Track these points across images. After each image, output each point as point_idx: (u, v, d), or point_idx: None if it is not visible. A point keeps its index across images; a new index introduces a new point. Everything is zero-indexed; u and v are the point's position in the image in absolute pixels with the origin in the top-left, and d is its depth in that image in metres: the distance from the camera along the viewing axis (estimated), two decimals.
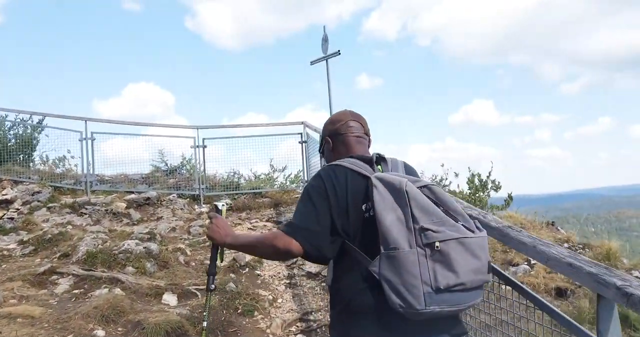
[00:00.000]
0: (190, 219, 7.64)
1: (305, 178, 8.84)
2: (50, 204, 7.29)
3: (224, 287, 4.70)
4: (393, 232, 1.37)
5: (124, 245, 5.26)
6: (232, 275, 5.46)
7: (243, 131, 8.81)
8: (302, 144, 8.56)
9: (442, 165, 9.89)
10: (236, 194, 8.64)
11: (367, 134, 1.79)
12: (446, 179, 9.69)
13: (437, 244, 1.33)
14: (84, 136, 8.38)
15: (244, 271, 5.60)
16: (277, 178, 10.26)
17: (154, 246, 5.29)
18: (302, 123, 8.59)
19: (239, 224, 7.66)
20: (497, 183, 9.37)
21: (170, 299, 4.34)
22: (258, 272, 5.67)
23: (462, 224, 1.41)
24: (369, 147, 1.79)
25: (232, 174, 9.45)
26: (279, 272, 5.66)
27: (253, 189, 8.89)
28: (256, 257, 5.98)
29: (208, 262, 2.24)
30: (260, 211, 8.19)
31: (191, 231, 6.88)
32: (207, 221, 1.84)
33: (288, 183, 10.03)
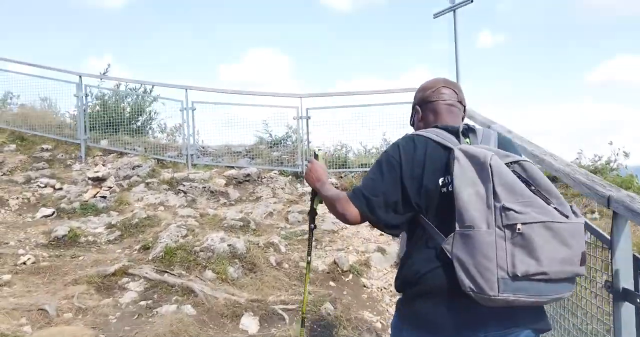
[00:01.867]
0: (290, 200, 6.74)
1: None
2: (149, 180, 6.87)
3: (319, 309, 3.67)
4: (470, 209, 1.25)
5: (207, 240, 4.47)
6: (332, 283, 4.42)
7: (354, 99, 7.52)
8: None
9: (611, 144, 7.70)
10: (342, 172, 7.54)
11: (461, 102, 1.62)
12: (615, 161, 7.49)
13: (519, 226, 1.19)
14: (184, 106, 7.84)
15: (346, 278, 4.54)
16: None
17: (240, 244, 4.42)
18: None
19: None
20: None
21: (249, 323, 3.42)
22: (364, 280, 4.56)
23: (554, 207, 1.24)
24: (463, 117, 1.63)
25: (339, 147, 8.35)
26: (390, 284, 4.49)
27: (362, 165, 7.71)
28: (362, 260, 4.87)
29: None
30: None
31: (289, 218, 5.96)
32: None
33: None
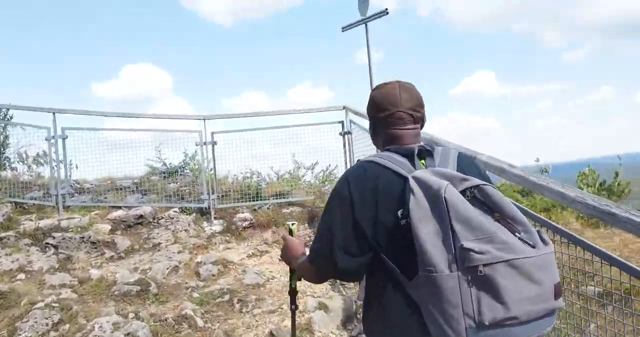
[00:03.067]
0: (198, 246, 5.53)
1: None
2: (3, 234, 5.19)
3: None
4: (429, 249, 1.14)
5: (93, 328, 3.17)
6: None
7: (262, 121, 6.54)
8: (344, 136, 6.34)
9: (537, 161, 7.62)
10: (255, 204, 6.49)
11: (418, 111, 1.45)
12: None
13: (480, 268, 1.09)
14: (52, 134, 6.22)
15: None
16: (303, 176, 8.12)
17: (142, 332, 3.18)
18: (343, 108, 6.36)
19: (266, 252, 5.55)
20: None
21: None
22: None
23: (519, 238, 1.15)
24: (421, 127, 1.50)
25: (248, 175, 7.29)
26: None
27: (277, 195, 6.74)
28: (303, 324, 3.91)
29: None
30: None
31: (201, 273, 4.78)
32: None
33: (318, 182, 7.90)
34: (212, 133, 6.29)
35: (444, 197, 1.14)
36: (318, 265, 1.40)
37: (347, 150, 6.35)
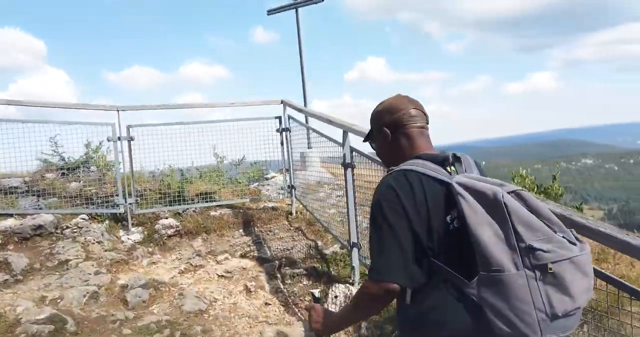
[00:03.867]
0: (117, 262, 4.72)
1: (290, 182, 6.23)
2: None
3: None
4: (494, 251, 1.20)
5: None
6: None
7: (184, 115, 5.76)
8: (282, 133, 5.82)
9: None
10: (179, 208, 5.73)
11: (427, 122, 1.58)
12: None
13: (550, 265, 1.18)
14: None
15: None
16: (227, 172, 7.44)
17: None
18: (281, 102, 5.81)
19: (201, 266, 4.91)
20: None
21: None
22: None
23: (562, 236, 1.24)
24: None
25: (168, 173, 6.44)
26: None
27: (203, 195, 6.03)
28: None
29: None
30: (224, 235, 5.46)
31: (129, 300, 4.03)
32: (307, 315, 1.62)
33: (241, 178, 7.28)
34: (128, 127, 5.37)
35: (504, 203, 1.21)
36: (388, 282, 1.31)
37: (286, 149, 5.84)
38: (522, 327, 1.17)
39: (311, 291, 1.75)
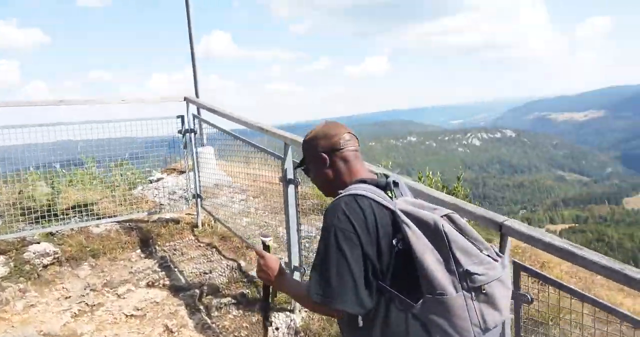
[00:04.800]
0: None
1: (195, 189, 5.45)
2: None
3: None
4: (438, 277, 1.32)
5: None
6: None
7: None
8: (186, 135, 5.00)
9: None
10: (53, 228, 4.58)
11: (358, 144, 1.68)
12: None
13: (484, 287, 1.33)
14: None
15: None
16: (102, 175, 6.25)
17: None
18: (184, 99, 4.97)
19: (100, 304, 4.00)
20: None
21: None
22: None
23: (487, 255, 1.40)
24: None
25: (29, 181, 5.11)
26: None
27: (82, 207, 4.92)
28: None
29: None
30: (117, 258, 4.55)
31: None
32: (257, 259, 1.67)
33: (119, 182, 6.20)
34: None
35: (444, 231, 1.34)
36: (337, 306, 1.37)
37: (191, 154, 5.07)
38: None
39: (262, 238, 1.71)
